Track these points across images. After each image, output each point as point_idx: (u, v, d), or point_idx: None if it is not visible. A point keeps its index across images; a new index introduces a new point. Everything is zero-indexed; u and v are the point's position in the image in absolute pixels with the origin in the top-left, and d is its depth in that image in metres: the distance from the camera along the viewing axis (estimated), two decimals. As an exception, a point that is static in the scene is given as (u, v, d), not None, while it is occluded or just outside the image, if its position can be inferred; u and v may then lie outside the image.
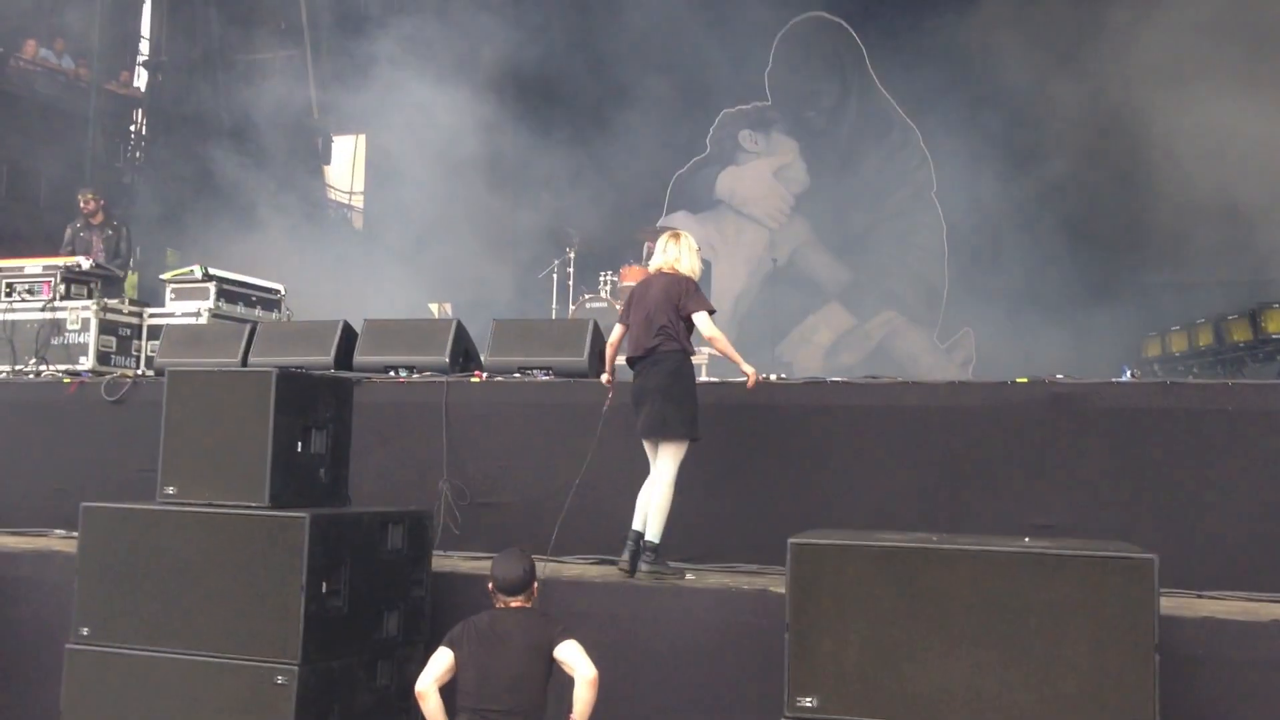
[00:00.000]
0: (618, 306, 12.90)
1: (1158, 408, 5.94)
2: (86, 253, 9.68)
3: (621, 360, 6.38)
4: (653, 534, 5.93)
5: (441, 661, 4.62)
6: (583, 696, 4.58)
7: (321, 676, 4.84)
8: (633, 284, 13.02)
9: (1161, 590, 4.10)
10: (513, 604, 4.75)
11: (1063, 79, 12.62)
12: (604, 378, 6.45)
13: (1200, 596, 5.39)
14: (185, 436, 5.20)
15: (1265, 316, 10.22)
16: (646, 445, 6.12)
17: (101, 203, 10.33)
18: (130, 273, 11.19)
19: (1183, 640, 4.64)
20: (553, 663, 4.65)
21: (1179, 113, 11.47)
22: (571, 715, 4.59)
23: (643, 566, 5.89)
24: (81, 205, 10.27)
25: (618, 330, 6.38)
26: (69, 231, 10.24)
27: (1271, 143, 11.09)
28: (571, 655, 4.62)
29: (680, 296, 6.08)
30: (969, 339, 14.36)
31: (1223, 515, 5.63)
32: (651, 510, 5.97)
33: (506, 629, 4.68)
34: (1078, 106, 12.48)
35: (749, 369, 6.17)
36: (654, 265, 6.34)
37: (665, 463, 6.00)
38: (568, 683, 4.62)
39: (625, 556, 5.96)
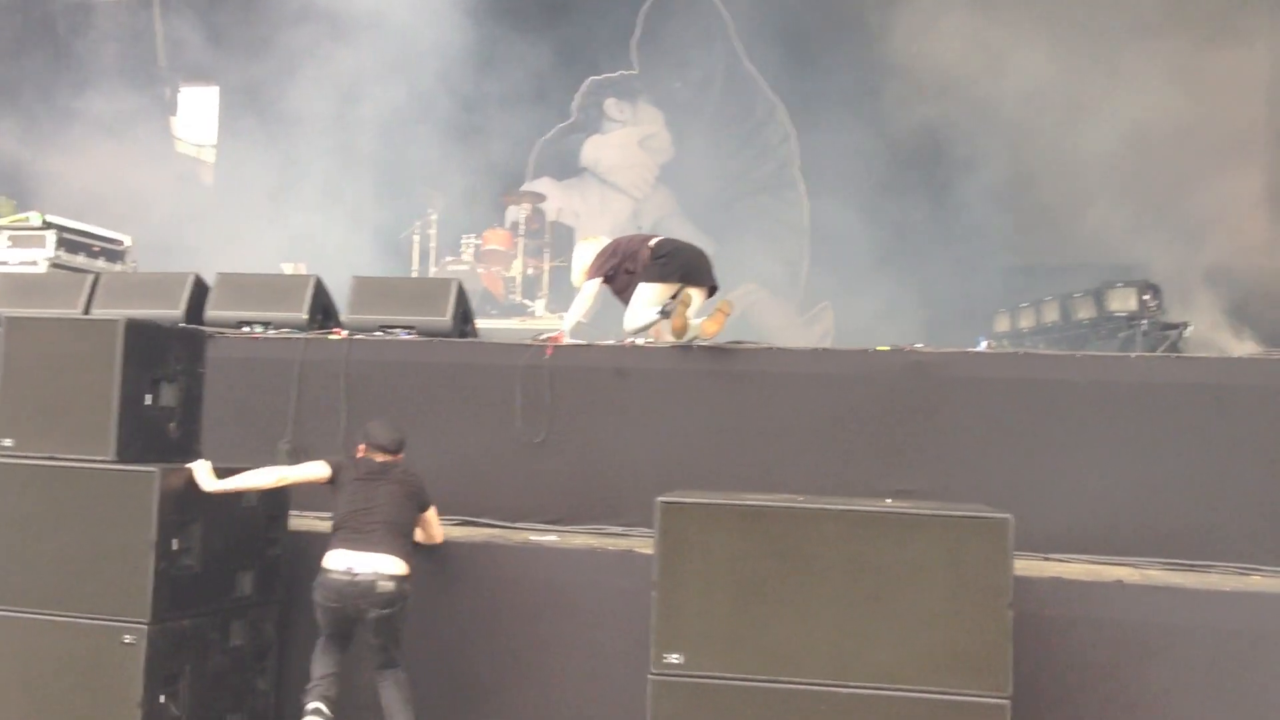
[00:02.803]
0: (479, 270, 12.82)
1: (1011, 377, 6.13)
2: None
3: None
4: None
5: (312, 469, 5.26)
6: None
7: (171, 636, 4.67)
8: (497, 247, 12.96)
9: (1014, 552, 4.23)
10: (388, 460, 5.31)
11: (920, 61, 12.89)
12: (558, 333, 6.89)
13: (1048, 559, 5.59)
14: (25, 387, 4.94)
15: (1108, 295, 10.67)
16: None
17: None
18: (-40, 221, 10.56)
19: (1033, 598, 4.81)
20: (419, 516, 5.30)
21: (1032, 98, 11.85)
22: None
23: None
24: None
25: (597, 282, 7.03)
26: None
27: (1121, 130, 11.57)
28: (433, 518, 5.46)
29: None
30: (827, 313, 14.63)
31: (1070, 481, 5.84)
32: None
33: (389, 473, 5.25)
34: (940, 86, 12.76)
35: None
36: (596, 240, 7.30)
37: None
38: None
39: None
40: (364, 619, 5.00)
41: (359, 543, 5.03)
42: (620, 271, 7.06)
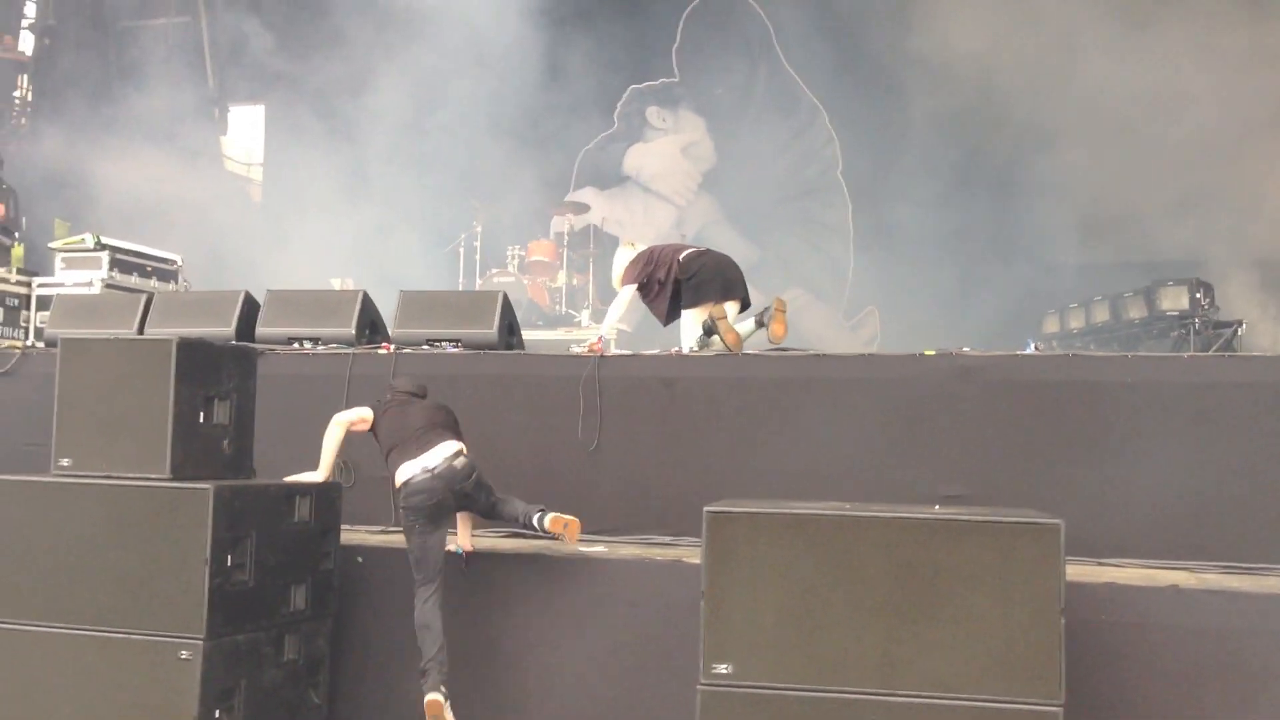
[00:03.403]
0: (525, 281, 12.88)
1: (1060, 380, 6.05)
2: None
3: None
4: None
5: (360, 411, 5.67)
6: None
7: (227, 651, 4.72)
8: (544, 257, 13.01)
9: (1066, 557, 4.18)
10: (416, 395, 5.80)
11: (966, 66, 12.80)
12: (597, 339, 7.13)
13: (1101, 564, 5.52)
14: (80, 407, 5.01)
15: (1159, 294, 10.52)
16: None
17: None
18: (16, 243, 10.77)
19: (1086, 604, 4.76)
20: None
21: (1080, 94, 11.73)
22: None
23: None
24: None
25: (633, 288, 7.32)
26: None
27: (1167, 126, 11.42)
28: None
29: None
30: (874, 317, 14.56)
31: (1123, 484, 5.76)
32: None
33: (420, 399, 5.76)
34: (982, 88, 12.67)
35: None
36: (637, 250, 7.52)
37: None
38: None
39: None
40: (458, 497, 5.49)
41: (417, 449, 5.48)
42: (652, 280, 7.23)
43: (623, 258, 7.57)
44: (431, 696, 5.14)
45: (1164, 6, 12.01)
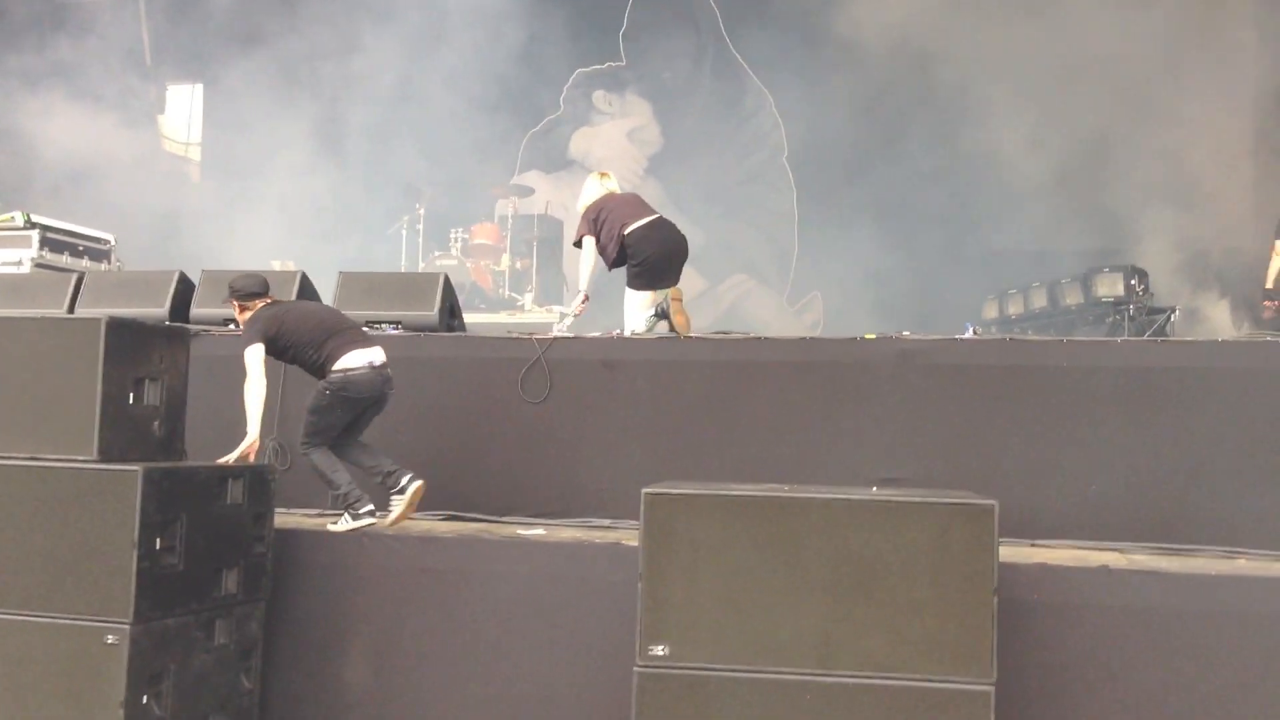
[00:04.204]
0: (468, 264, 12.79)
1: (998, 364, 6.12)
2: None
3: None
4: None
5: (256, 349, 5.78)
6: None
7: (155, 636, 4.63)
8: (486, 240, 12.93)
9: (1000, 539, 4.22)
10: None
11: (909, 51, 12.87)
12: (582, 299, 7.51)
13: (1035, 545, 5.59)
14: (8, 388, 4.87)
15: (1095, 281, 10.67)
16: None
17: None
18: (-57, 222, 10.51)
19: (1018, 584, 4.81)
20: None
21: (1018, 88, 11.84)
22: None
23: None
24: None
25: (593, 242, 7.36)
26: None
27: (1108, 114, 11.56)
28: None
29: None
30: (817, 302, 14.63)
31: (1057, 467, 5.85)
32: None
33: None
34: (925, 77, 12.75)
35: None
36: (600, 194, 7.53)
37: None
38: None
39: None
40: (376, 402, 5.94)
41: (364, 342, 5.94)
42: (600, 236, 7.37)
43: (589, 189, 7.60)
44: (416, 484, 5.80)
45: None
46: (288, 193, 13.63)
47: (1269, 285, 10.73)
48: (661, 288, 7.25)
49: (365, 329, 6.57)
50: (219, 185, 15.40)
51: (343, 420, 5.89)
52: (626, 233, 7.22)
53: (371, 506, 5.80)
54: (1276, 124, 12.21)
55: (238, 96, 14.27)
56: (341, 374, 5.81)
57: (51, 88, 13.50)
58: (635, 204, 7.49)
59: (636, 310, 7.30)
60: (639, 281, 7.30)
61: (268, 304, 6.02)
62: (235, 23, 14.44)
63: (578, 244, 7.55)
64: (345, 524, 5.75)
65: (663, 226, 7.35)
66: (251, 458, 5.61)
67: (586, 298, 7.51)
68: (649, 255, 7.26)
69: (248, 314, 5.97)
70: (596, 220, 7.35)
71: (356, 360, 5.83)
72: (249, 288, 6.04)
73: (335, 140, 14.25)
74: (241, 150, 14.33)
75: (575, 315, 7.60)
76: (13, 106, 13.57)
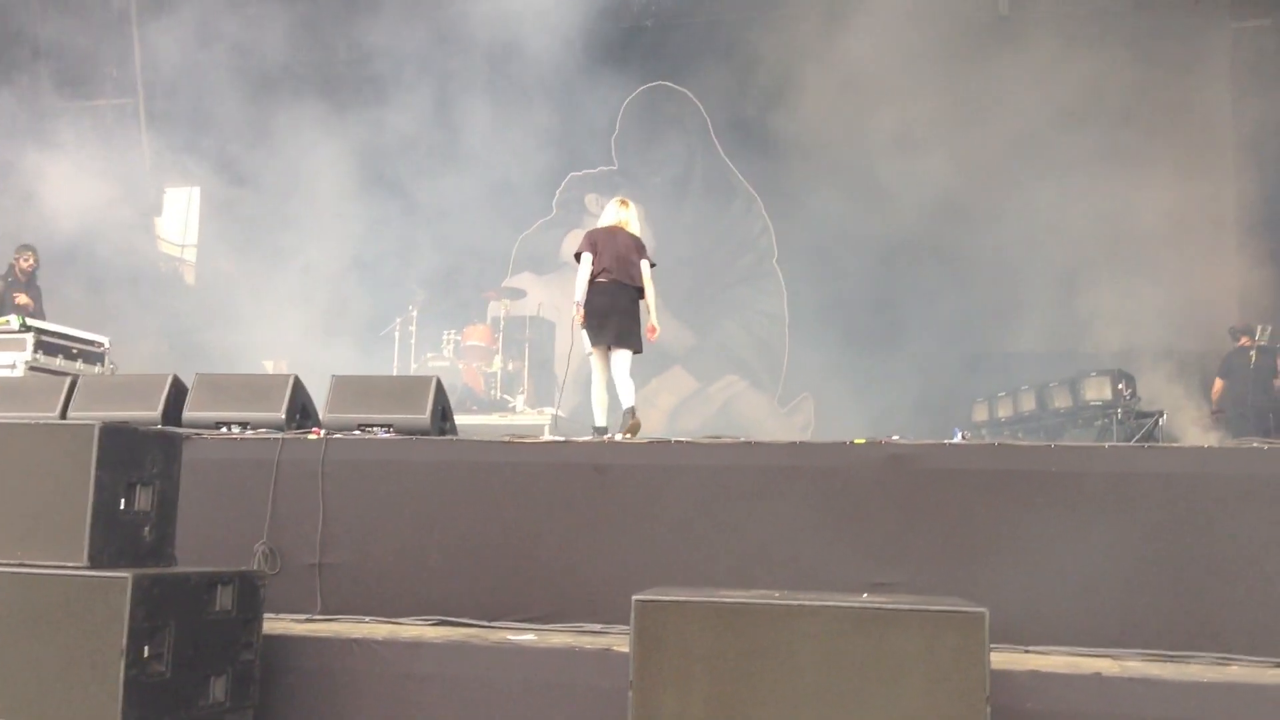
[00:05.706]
0: (460, 365, 12.87)
1: (987, 469, 6.14)
2: None
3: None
4: (629, 399, 8.36)
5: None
6: None
7: (141, 746, 4.57)
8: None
9: (991, 645, 4.22)
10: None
11: (896, 156, 13.14)
12: (579, 311, 8.40)
13: (1028, 651, 5.56)
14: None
15: (1084, 385, 10.77)
16: (603, 350, 8.46)
17: None
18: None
19: (1011, 692, 4.78)
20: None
21: (1007, 191, 12.08)
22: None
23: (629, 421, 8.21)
24: None
25: (590, 259, 8.37)
26: None
27: (1088, 220, 11.78)
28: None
29: (642, 249, 8.60)
30: (808, 404, 14.69)
31: (1047, 572, 5.83)
32: (624, 389, 8.37)
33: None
34: (913, 181, 12.99)
35: (655, 322, 8.57)
36: (610, 222, 8.65)
37: (623, 363, 8.43)
38: None
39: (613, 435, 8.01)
40: None
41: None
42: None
43: (606, 213, 8.79)
44: None
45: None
46: (281, 294, 13.76)
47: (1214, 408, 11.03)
48: (598, 343, 8.43)
49: (359, 432, 6.60)
50: (213, 287, 15.53)
51: None
52: (596, 283, 8.35)
53: None
54: (1258, 236, 12.47)
55: (233, 201, 14.49)
56: None
57: (57, 186, 13.69)
58: (615, 256, 8.38)
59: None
60: (589, 329, 8.45)
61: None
62: (233, 128, 14.71)
63: (577, 257, 8.55)
64: None
65: (607, 292, 8.35)
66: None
67: (579, 307, 8.42)
68: (592, 309, 8.40)
69: None
70: (593, 248, 8.39)
71: None
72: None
73: (330, 241, 14.43)
74: (236, 253, 14.49)
75: (578, 321, 8.52)
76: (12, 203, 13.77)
